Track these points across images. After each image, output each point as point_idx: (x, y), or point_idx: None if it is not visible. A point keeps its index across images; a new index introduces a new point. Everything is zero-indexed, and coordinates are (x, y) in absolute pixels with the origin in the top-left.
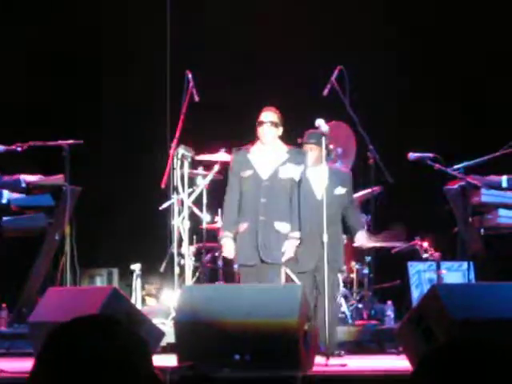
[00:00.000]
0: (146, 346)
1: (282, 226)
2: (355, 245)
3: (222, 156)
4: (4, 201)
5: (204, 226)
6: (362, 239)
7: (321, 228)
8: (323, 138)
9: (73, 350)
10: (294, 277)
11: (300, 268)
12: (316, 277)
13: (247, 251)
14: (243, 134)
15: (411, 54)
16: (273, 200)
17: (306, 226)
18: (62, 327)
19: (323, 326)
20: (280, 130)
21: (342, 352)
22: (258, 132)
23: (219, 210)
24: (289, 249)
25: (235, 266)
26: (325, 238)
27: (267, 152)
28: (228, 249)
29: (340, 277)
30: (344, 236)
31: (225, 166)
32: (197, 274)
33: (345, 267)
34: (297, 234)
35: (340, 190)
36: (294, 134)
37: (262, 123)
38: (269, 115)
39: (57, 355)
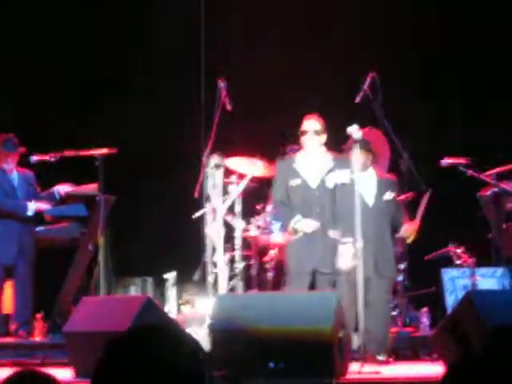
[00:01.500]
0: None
1: (335, 234)
2: (401, 235)
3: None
4: (30, 213)
5: (238, 234)
6: (408, 229)
7: (372, 235)
8: (357, 145)
9: (143, 360)
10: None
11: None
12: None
13: (303, 258)
14: (278, 142)
15: (448, 52)
16: (323, 209)
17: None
18: (126, 336)
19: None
20: (323, 137)
21: (391, 359)
22: (301, 141)
23: (252, 219)
24: (346, 257)
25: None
26: (359, 244)
27: (313, 160)
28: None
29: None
30: None
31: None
32: (231, 282)
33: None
34: (350, 240)
35: (389, 196)
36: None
37: (304, 132)
38: (311, 124)
39: (121, 365)
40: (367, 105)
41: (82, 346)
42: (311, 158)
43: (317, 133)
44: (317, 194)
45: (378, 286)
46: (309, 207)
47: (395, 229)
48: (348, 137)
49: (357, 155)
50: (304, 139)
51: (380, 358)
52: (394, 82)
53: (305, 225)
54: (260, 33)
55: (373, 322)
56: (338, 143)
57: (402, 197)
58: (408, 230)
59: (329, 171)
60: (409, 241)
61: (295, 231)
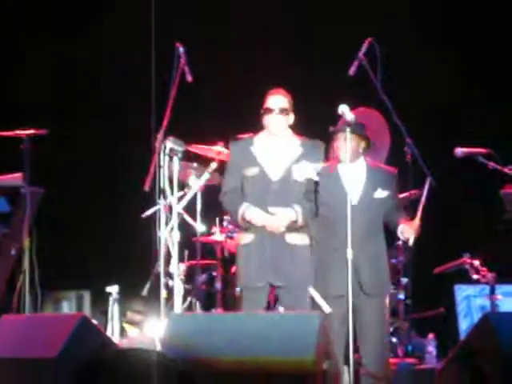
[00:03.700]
0: None
1: (297, 238)
2: (402, 238)
3: (220, 150)
4: None
5: (198, 238)
6: (406, 229)
7: (358, 239)
8: (348, 129)
9: None
10: (320, 301)
11: (331, 291)
12: (354, 303)
13: (254, 270)
14: (247, 123)
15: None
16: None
17: (337, 238)
18: None
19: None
20: (291, 118)
21: None
22: (264, 121)
23: (217, 219)
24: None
25: (237, 289)
26: (349, 254)
27: (276, 146)
28: (258, 213)
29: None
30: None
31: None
32: (188, 298)
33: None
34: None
35: (380, 193)
36: (313, 127)
37: (269, 111)
38: (278, 100)
39: None
40: (363, 78)
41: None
42: (274, 142)
43: (283, 112)
44: (276, 188)
45: (367, 308)
46: (264, 204)
47: (394, 233)
48: (338, 118)
49: (345, 140)
50: (267, 119)
51: None
52: (399, 50)
53: (254, 214)
54: None
55: (366, 354)
56: (325, 126)
57: (406, 194)
58: (405, 231)
59: (296, 160)
60: (410, 243)
61: (245, 222)
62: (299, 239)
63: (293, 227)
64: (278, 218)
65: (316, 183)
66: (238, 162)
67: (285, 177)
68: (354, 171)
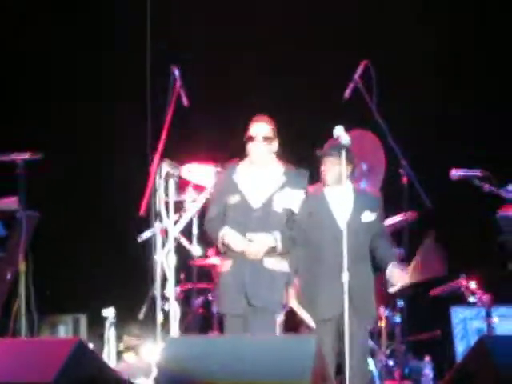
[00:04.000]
0: None
1: (276, 263)
2: (388, 282)
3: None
4: None
5: (194, 261)
6: (395, 274)
7: (347, 264)
8: (343, 152)
9: None
10: (304, 315)
11: (319, 315)
12: (341, 326)
13: (232, 296)
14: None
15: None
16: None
17: (325, 263)
18: None
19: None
20: (275, 146)
21: None
22: (247, 149)
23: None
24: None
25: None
26: (345, 277)
27: (259, 173)
28: (237, 239)
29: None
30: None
31: None
32: (185, 322)
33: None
34: (272, 243)
35: (368, 216)
36: (307, 148)
37: (251, 139)
38: (260, 128)
39: None
40: (358, 101)
41: None
42: (257, 169)
43: (267, 139)
44: (257, 215)
45: (354, 327)
46: (245, 231)
47: (382, 266)
48: (324, 142)
49: (332, 164)
50: (250, 147)
51: None
52: (393, 73)
53: (233, 239)
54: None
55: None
56: (320, 148)
57: (401, 217)
58: (393, 277)
59: (279, 188)
60: (391, 290)
61: (224, 247)
62: (278, 265)
63: (272, 253)
64: (257, 244)
65: (296, 213)
66: (221, 190)
67: (266, 204)
68: (342, 195)
